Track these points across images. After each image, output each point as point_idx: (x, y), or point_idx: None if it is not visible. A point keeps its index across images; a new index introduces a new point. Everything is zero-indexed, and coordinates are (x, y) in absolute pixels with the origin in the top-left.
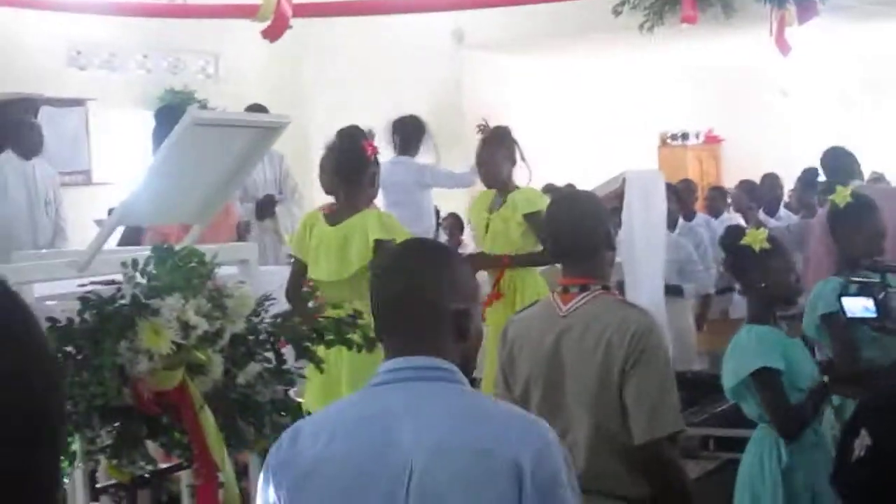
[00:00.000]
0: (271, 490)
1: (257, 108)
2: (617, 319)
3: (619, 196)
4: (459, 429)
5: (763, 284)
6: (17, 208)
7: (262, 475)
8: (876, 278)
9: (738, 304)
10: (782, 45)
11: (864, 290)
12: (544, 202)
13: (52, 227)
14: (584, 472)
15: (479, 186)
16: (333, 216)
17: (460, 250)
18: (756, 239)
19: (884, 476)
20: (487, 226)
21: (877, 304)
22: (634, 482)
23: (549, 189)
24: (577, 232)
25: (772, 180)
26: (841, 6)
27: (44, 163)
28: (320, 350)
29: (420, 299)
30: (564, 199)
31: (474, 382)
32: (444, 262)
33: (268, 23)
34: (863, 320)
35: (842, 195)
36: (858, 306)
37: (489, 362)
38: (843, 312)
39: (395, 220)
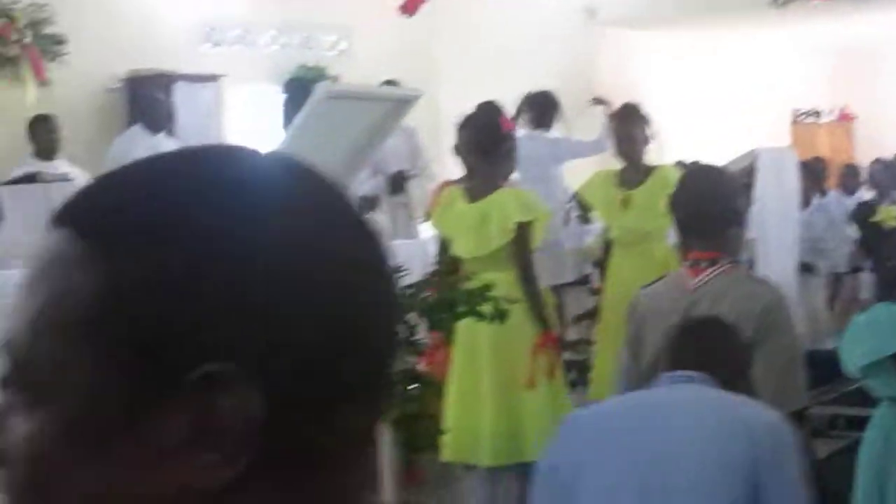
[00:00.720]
0: None
1: (390, 84)
2: (745, 294)
3: (750, 173)
4: None
5: (891, 262)
6: None
7: None
8: None
9: (869, 284)
10: None
11: None
12: None
13: None
14: None
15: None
16: (472, 192)
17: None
18: (889, 216)
19: None
20: (624, 202)
21: None
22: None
23: (679, 165)
24: (706, 206)
25: None
26: None
27: (171, 139)
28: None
29: None
30: (696, 172)
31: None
32: None
33: None
34: None
35: None
36: None
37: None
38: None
39: (534, 196)
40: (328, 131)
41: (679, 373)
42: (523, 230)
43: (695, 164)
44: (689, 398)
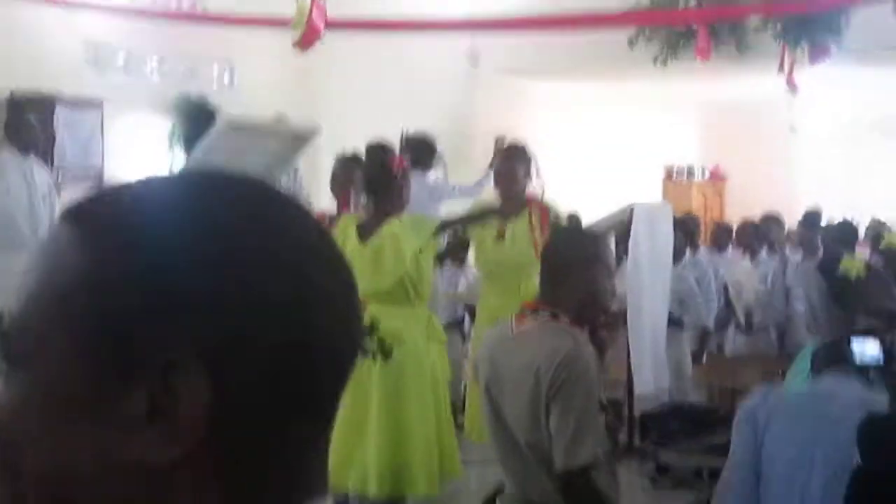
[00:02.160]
0: None
1: (281, 116)
2: (550, 346)
3: (625, 226)
4: None
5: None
6: (18, 201)
7: None
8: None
9: (734, 340)
10: (792, 84)
11: (870, 335)
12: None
13: (50, 220)
14: (527, 489)
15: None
16: (363, 231)
17: (463, 270)
18: (852, 266)
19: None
20: (499, 234)
21: (883, 348)
22: None
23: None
24: (548, 259)
25: (773, 220)
26: (852, 49)
27: (39, 160)
28: None
29: None
30: (562, 228)
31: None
32: None
33: (299, 34)
34: (870, 367)
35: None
36: (867, 352)
37: None
38: (851, 359)
39: (417, 217)
40: (228, 161)
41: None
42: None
43: (571, 216)
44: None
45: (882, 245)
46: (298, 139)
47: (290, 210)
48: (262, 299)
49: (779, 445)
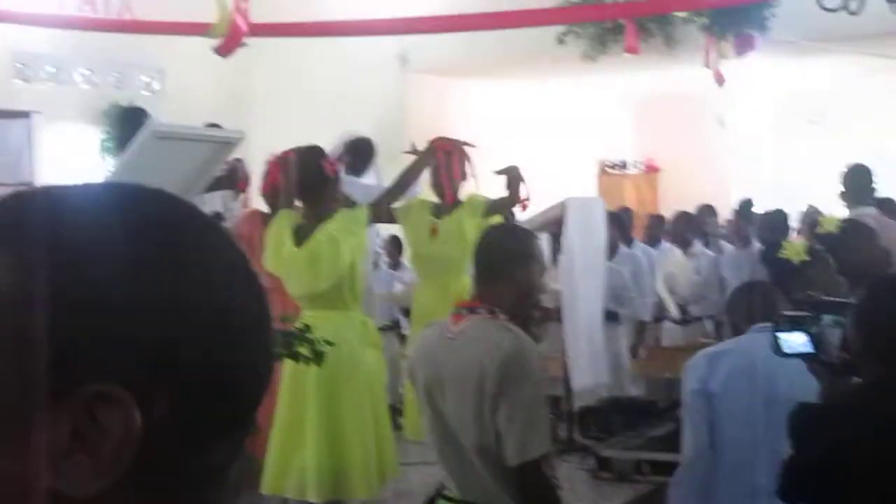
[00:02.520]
0: None
1: (214, 126)
2: (492, 342)
3: (559, 222)
4: None
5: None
6: None
7: None
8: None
9: (671, 332)
10: (719, 76)
11: (797, 325)
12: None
13: None
14: (469, 490)
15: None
16: (298, 234)
17: (398, 272)
18: (794, 251)
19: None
20: (433, 230)
21: (812, 338)
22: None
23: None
24: (482, 258)
25: (707, 210)
26: (779, 41)
27: None
28: None
29: None
30: (493, 227)
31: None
32: None
33: (221, 39)
34: (800, 356)
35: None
36: (795, 342)
37: None
38: (779, 348)
39: (346, 213)
40: (154, 169)
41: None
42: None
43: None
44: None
45: (820, 230)
46: (222, 145)
47: (210, 232)
48: (191, 326)
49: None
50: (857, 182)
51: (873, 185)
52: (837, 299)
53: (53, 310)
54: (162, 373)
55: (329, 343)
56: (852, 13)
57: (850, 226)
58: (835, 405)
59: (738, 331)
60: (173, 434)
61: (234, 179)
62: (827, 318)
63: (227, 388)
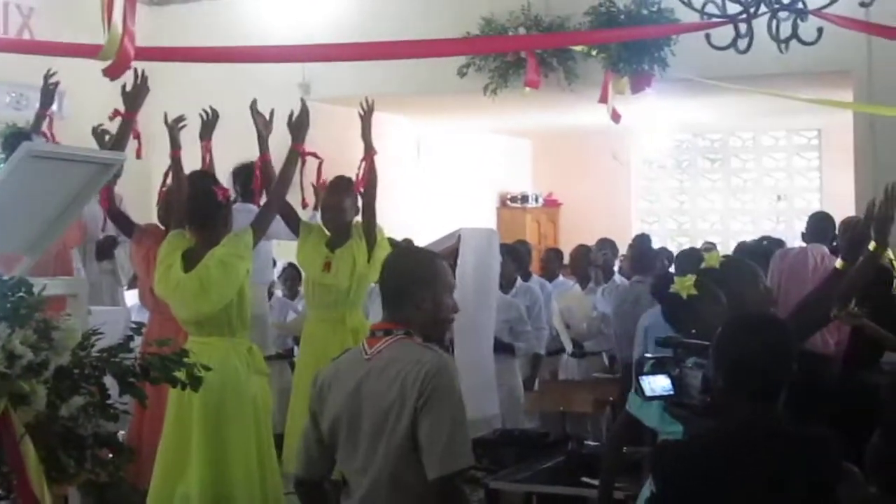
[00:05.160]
0: None
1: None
2: (412, 360)
3: (454, 252)
4: None
5: (694, 330)
6: None
7: None
8: (670, 353)
9: (566, 366)
10: (615, 114)
11: (658, 367)
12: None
13: None
14: None
15: None
16: (188, 260)
17: (297, 300)
18: (684, 286)
19: None
20: (327, 264)
21: (672, 380)
22: None
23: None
24: (391, 281)
25: (606, 245)
26: (677, 78)
27: None
28: None
29: None
30: (397, 250)
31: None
32: None
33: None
34: (661, 398)
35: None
36: (657, 385)
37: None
38: (642, 392)
39: (231, 237)
40: (32, 189)
41: None
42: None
43: (404, 241)
44: None
45: (703, 264)
46: (103, 167)
47: None
48: None
49: None
50: (817, 225)
51: (831, 228)
52: (698, 341)
53: None
54: None
55: (207, 368)
56: (741, 52)
57: (731, 263)
58: (700, 445)
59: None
60: None
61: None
62: (689, 361)
63: None
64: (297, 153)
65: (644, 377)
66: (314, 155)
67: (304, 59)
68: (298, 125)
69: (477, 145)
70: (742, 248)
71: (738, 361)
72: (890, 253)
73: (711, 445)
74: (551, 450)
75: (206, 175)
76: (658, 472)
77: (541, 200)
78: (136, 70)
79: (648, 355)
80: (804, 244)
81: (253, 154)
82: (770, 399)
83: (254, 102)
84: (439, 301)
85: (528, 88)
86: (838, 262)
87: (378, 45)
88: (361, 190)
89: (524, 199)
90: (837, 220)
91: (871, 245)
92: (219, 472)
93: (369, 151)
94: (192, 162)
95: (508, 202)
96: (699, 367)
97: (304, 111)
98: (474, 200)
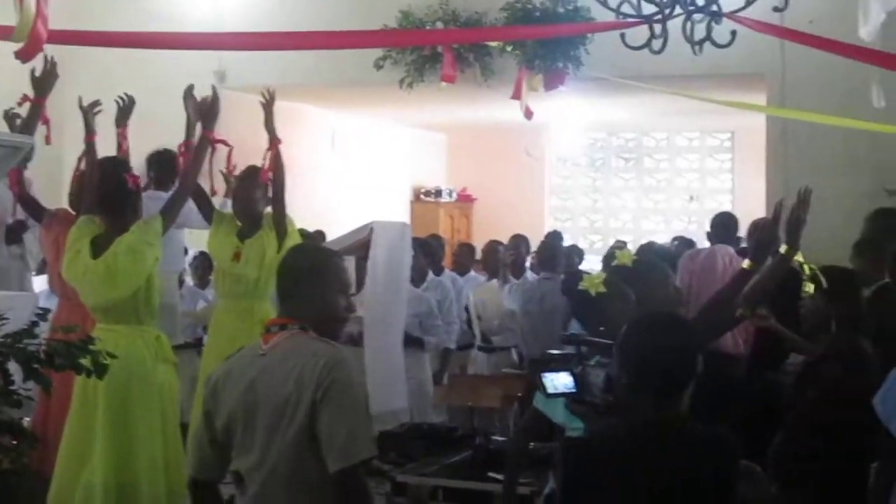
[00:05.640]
0: None
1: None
2: (308, 353)
3: (365, 245)
4: None
5: (602, 328)
6: None
7: None
8: (572, 351)
9: (477, 361)
10: (528, 111)
11: (561, 364)
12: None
13: None
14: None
15: None
16: (97, 247)
17: (209, 288)
18: (593, 283)
19: None
20: (236, 255)
21: (574, 378)
22: None
23: (303, 235)
24: (290, 275)
25: (519, 241)
26: (592, 77)
27: None
28: None
29: None
30: (296, 246)
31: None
32: None
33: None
34: (563, 395)
35: (626, 255)
36: (559, 382)
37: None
38: (544, 388)
39: (140, 225)
40: None
41: None
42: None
43: (316, 233)
44: None
45: (614, 263)
46: (11, 150)
47: None
48: None
49: None
50: (722, 226)
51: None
52: (603, 340)
53: None
54: None
55: (113, 356)
56: (655, 53)
57: (642, 261)
58: (602, 442)
59: None
60: None
61: None
62: (593, 359)
63: None
64: (207, 140)
65: (546, 374)
66: (224, 142)
67: (219, 46)
68: (208, 112)
69: (392, 138)
70: (649, 249)
71: (642, 360)
72: (800, 256)
73: (614, 442)
74: (459, 444)
75: (116, 162)
76: (560, 469)
77: (455, 195)
78: (45, 56)
79: (551, 352)
80: (710, 245)
81: (166, 141)
82: (673, 398)
83: (190, 87)
84: (329, 300)
85: (444, 83)
86: (746, 263)
87: (295, 34)
88: (269, 179)
89: (438, 193)
90: (749, 222)
91: (783, 248)
92: (123, 460)
93: (273, 141)
94: (106, 148)
95: (422, 196)
96: (602, 365)
97: (215, 98)
98: (388, 193)
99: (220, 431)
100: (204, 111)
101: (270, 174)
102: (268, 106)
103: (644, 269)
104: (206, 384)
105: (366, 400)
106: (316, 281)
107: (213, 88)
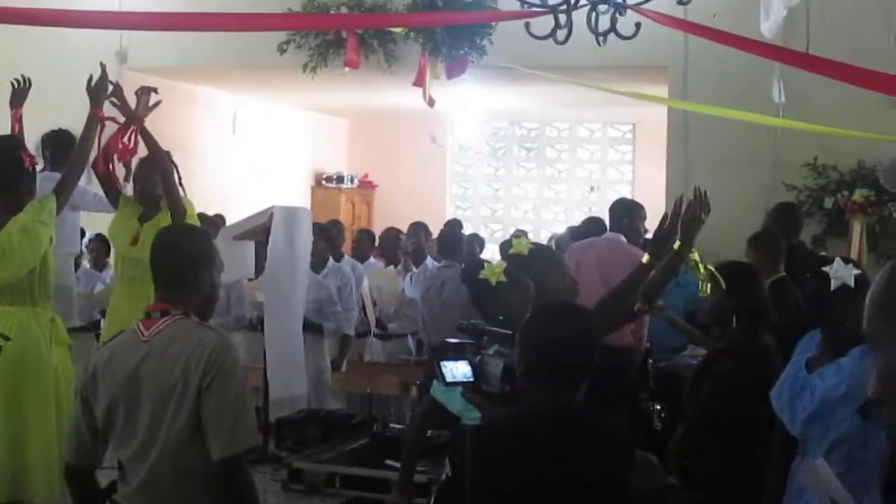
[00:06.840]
0: None
1: None
2: (193, 340)
3: (265, 230)
4: None
5: (501, 317)
6: None
7: None
8: (470, 340)
9: (373, 348)
10: (429, 99)
11: (459, 354)
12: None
13: None
14: (165, 493)
15: None
16: None
17: (106, 270)
18: (493, 272)
19: None
20: (135, 238)
21: (472, 367)
22: (211, 501)
23: (202, 219)
24: (164, 259)
25: (418, 228)
26: (495, 65)
27: None
28: None
29: None
30: (165, 228)
31: None
32: None
33: None
34: (461, 384)
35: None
36: (458, 371)
37: None
38: (442, 377)
39: (38, 203)
40: None
41: None
42: None
43: (216, 217)
44: None
45: (510, 251)
46: None
47: None
48: None
49: None
50: (617, 212)
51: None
52: (500, 329)
53: None
54: None
55: (6, 338)
56: (559, 43)
57: (537, 251)
58: (495, 430)
59: None
60: None
61: None
62: (492, 349)
63: None
64: (95, 117)
65: (445, 363)
66: (113, 119)
67: (120, 26)
68: (97, 89)
69: (294, 122)
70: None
71: (540, 349)
72: (696, 255)
73: (507, 430)
74: (356, 431)
75: (12, 140)
76: (453, 456)
77: (356, 181)
78: None
79: (449, 340)
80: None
81: (63, 122)
82: (569, 388)
83: (103, 67)
84: (216, 282)
85: (347, 68)
86: (645, 257)
87: (197, 15)
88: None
89: (339, 178)
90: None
91: (676, 244)
92: (16, 444)
93: (134, 119)
94: (7, 129)
95: (323, 181)
96: (501, 355)
97: (103, 75)
98: (289, 178)
99: (101, 419)
100: (92, 89)
101: (129, 154)
102: (116, 92)
103: (540, 259)
104: (86, 371)
105: (247, 390)
106: (205, 265)
107: (102, 66)
